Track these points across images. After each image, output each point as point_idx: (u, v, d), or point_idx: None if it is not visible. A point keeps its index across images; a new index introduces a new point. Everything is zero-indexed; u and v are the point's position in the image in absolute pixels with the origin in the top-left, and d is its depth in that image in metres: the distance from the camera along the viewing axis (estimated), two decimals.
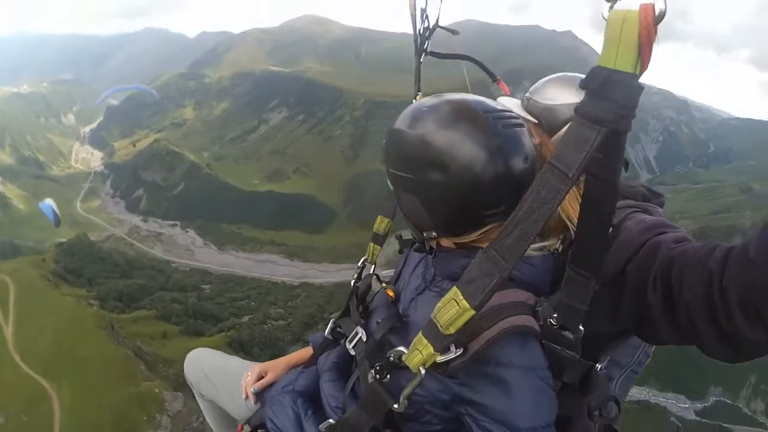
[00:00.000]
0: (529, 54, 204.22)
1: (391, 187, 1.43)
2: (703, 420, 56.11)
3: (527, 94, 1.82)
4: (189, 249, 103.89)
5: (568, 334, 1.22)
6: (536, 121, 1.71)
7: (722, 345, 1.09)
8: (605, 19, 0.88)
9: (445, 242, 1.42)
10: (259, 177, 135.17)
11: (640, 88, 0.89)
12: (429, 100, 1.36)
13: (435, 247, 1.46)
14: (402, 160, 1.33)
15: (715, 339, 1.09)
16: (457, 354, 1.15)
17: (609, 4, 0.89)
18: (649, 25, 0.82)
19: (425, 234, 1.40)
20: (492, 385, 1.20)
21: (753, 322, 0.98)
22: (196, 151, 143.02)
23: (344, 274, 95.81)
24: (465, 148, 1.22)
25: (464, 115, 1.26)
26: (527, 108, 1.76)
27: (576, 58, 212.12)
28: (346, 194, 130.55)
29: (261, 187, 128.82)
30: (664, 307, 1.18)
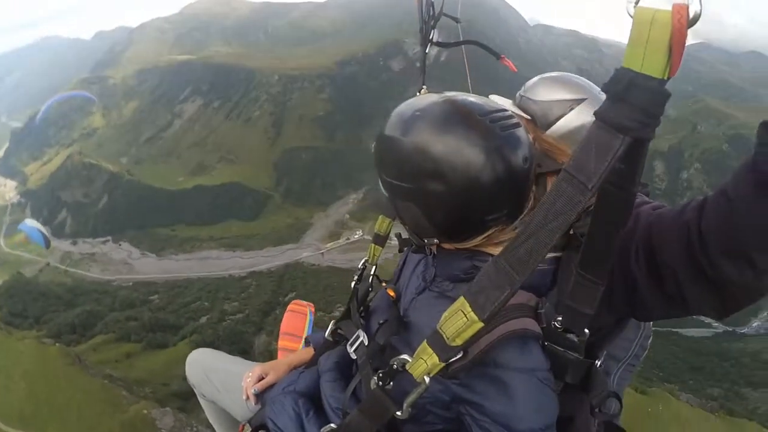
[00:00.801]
0: (445, 9, 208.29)
1: (386, 194, 1.40)
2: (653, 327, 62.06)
3: (520, 92, 1.86)
4: (127, 263, 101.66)
5: (572, 336, 1.23)
6: (529, 117, 1.74)
7: (710, 298, 1.10)
8: (631, 17, 0.82)
9: (446, 245, 1.42)
10: (183, 174, 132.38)
11: (668, 94, 0.83)
12: (420, 103, 1.31)
13: (435, 251, 1.46)
14: (398, 169, 1.29)
15: (702, 293, 1.10)
16: (458, 357, 1.14)
17: (634, 1, 0.83)
18: (682, 28, 0.77)
19: (426, 240, 1.40)
20: (492, 387, 1.21)
21: (738, 262, 0.99)
22: (113, 158, 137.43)
23: (290, 254, 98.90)
24: (464, 156, 1.19)
25: (461, 120, 1.22)
26: (520, 105, 1.79)
27: (485, 9, 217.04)
28: (276, 175, 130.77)
29: (187, 183, 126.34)
30: (649, 275, 1.19)
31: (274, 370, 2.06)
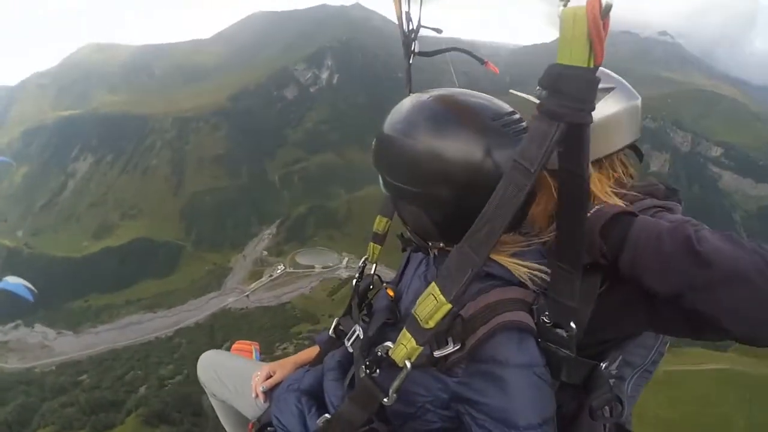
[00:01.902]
0: (327, 32, 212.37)
1: (387, 193, 1.42)
2: None
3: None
4: (45, 345, 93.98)
5: (561, 331, 1.25)
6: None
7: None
8: (559, 18, 0.92)
9: (450, 246, 1.40)
10: (86, 237, 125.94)
11: (595, 80, 0.94)
12: (425, 102, 1.31)
13: (438, 252, 1.49)
14: (402, 171, 1.30)
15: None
16: (455, 348, 1.21)
17: (562, 3, 0.92)
18: (596, 19, 0.87)
19: (430, 243, 1.44)
20: (489, 384, 1.23)
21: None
22: (9, 233, 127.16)
23: (214, 303, 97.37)
24: (472, 159, 1.21)
25: (472, 125, 1.24)
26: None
27: (370, 28, 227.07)
28: (185, 223, 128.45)
29: (93, 247, 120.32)
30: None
31: (282, 368, 2.15)
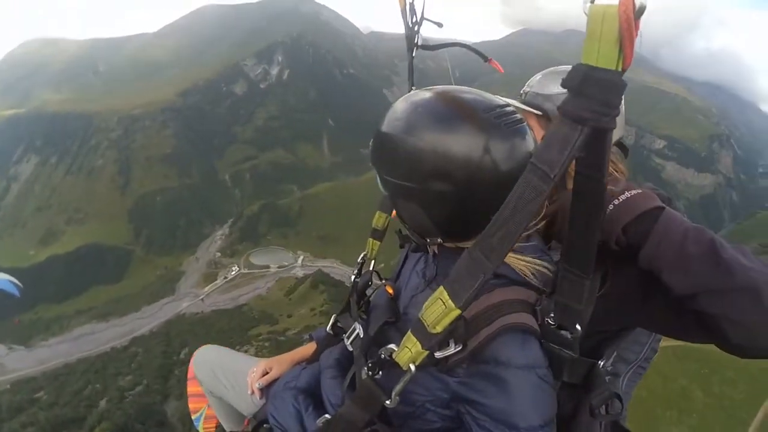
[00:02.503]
0: (278, 27, 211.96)
1: (385, 192, 1.42)
2: None
3: (526, 89, 1.98)
4: None
5: (565, 333, 1.25)
6: (540, 113, 1.82)
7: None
8: (586, 15, 0.89)
9: (449, 243, 1.44)
10: (32, 245, 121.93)
11: (623, 84, 0.90)
12: (421, 99, 1.33)
13: (437, 250, 1.49)
14: (400, 168, 1.31)
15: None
16: (457, 350, 1.20)
17: (589, 0, 0.89)
18: (629, 19, 0.84)
19: (429, 240, 1.44)
20: (491, 385, 1.24)
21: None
22: None
23: (169, 309, 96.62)
24: (471, 155, 1.22)
25: (466, 118, 1.25)
26: (528, 102, 1.89)
27: (321, 23, 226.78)
28: (133, 226, 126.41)
29: (39, 255, 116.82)
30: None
31: (278, 364, 2.15)
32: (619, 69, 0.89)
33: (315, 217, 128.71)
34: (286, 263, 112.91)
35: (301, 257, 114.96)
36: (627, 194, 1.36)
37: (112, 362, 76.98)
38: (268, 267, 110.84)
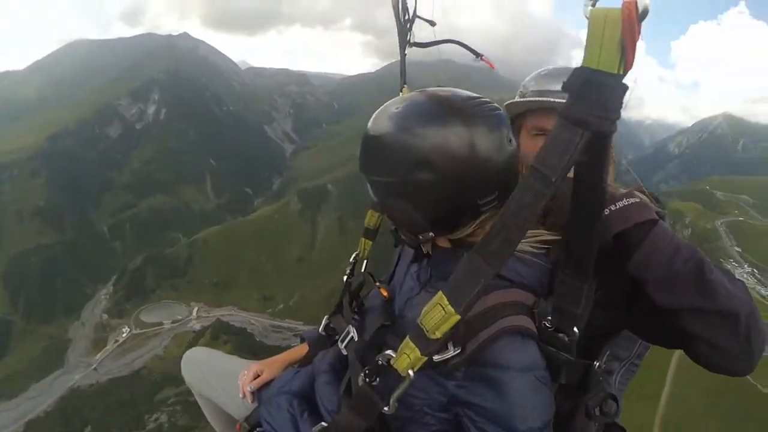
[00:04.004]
0: (154, 63, 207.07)
1: (375, 197, 1.48)
2: None
3: (526, 90, 2.08)
4: None
5: (562, 336, 1.27)
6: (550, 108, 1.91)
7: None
8: (587, 19, 0.90)
9: (441, 241, 1.49)
10: None
11: (624, 88, 0.92)
12: (399, 99, 1.42)
13: (431, 250, 1.53)
14: (384, 165, 1.37)
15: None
16: (455, 353, 1.23)
17: (590, 3, 0.91)
18: (632, 23, 0.85)
19: (421, 237, 1.46)
20: (489, 388, 1.26)
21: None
22: None
23: (60, 384, 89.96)
24: (449, 140, 1.27)
25: (441, 107, 1.32)
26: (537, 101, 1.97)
27: (198, 58, 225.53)
28: (8, 292, 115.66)
29: None
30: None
31: (270, 367, 2.16)
32: (621, 73, 0.90)
33: (205, 263, 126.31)
34: (181, 317, 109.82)
35: (196, 308, 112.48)
36: (625, 201, 1.39)
37: None
38: (161, 324, 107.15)
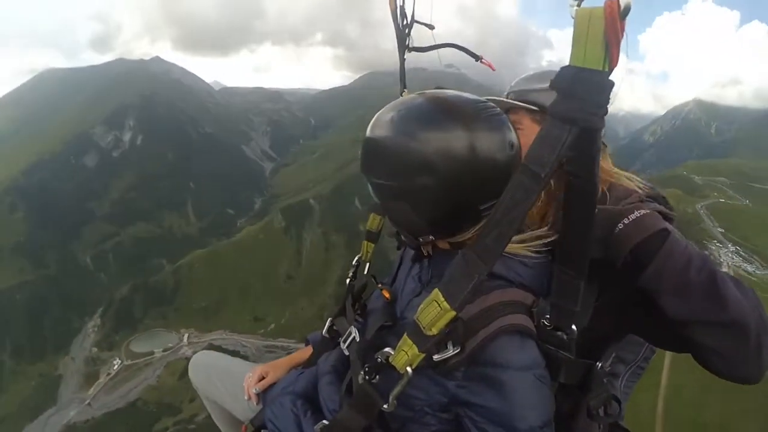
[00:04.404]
0: (127, 89, 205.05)
1: (376, 198, 1.49)
2: None
3: (514, 90, 2.04)
4: None
5: (561, 334, 1.29)
6: (536, 108, 1.89)
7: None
8: (573, 19, 0.93)
9: (441, 243, 1.50)
10: None
11: (610, 84, 0.95)
12: (399, 102, 1.42)
13: (431, 252, 1.55)
14: (385, 168, 1.37)
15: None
16: (455, 352, 1.23)
17: (576, 3, 0.93)
18: (614, 21, 0.88)
19: (421, 239, 1.47)
20: (489, 387, 1.27)
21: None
22: None
23: (54, 422, 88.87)
24: (450, 145, 1.27)
25: (442, 110, 1.31)
26: (522, 101, 1.96)
27: (172, 81, 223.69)
28: None
29: None
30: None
31: (275, 369, 2.20)
32: (606, 69, 0.93)
33: (192, 289, 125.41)
34: (171, 345, 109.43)
35: (186, 335, 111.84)
36: (637, 213, 1.41)
37: None
38: (152, 353, 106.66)
